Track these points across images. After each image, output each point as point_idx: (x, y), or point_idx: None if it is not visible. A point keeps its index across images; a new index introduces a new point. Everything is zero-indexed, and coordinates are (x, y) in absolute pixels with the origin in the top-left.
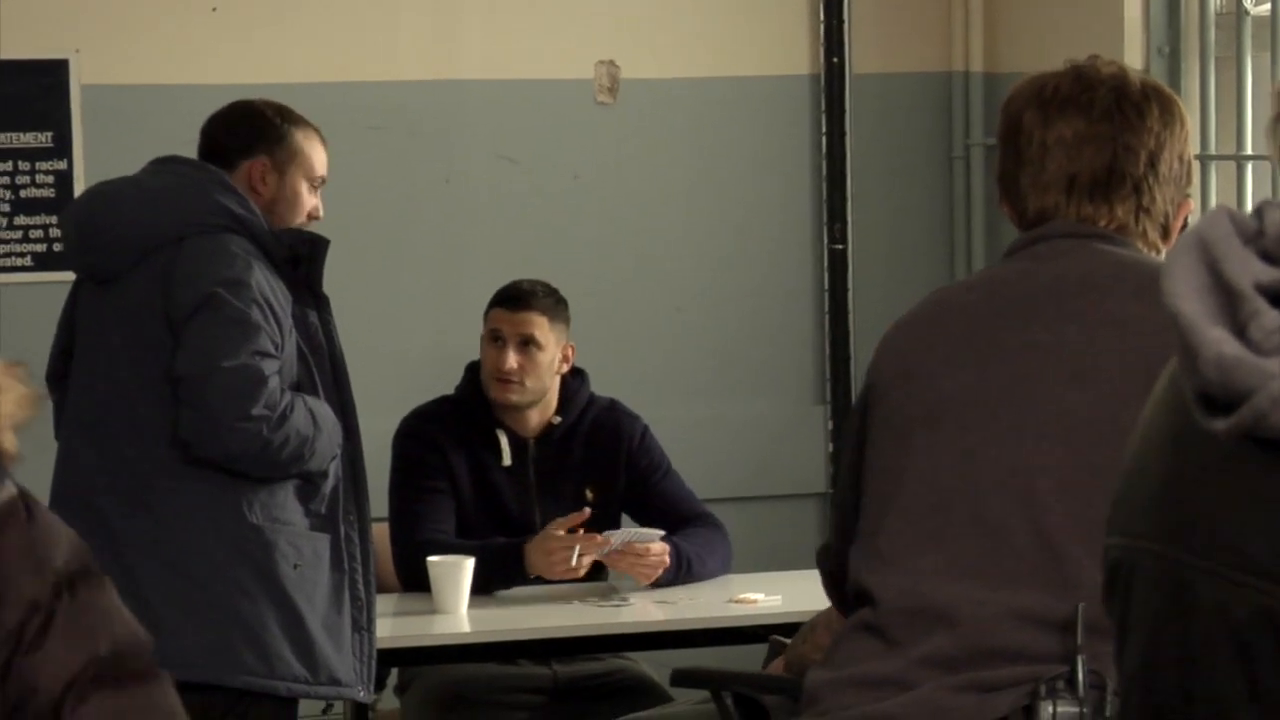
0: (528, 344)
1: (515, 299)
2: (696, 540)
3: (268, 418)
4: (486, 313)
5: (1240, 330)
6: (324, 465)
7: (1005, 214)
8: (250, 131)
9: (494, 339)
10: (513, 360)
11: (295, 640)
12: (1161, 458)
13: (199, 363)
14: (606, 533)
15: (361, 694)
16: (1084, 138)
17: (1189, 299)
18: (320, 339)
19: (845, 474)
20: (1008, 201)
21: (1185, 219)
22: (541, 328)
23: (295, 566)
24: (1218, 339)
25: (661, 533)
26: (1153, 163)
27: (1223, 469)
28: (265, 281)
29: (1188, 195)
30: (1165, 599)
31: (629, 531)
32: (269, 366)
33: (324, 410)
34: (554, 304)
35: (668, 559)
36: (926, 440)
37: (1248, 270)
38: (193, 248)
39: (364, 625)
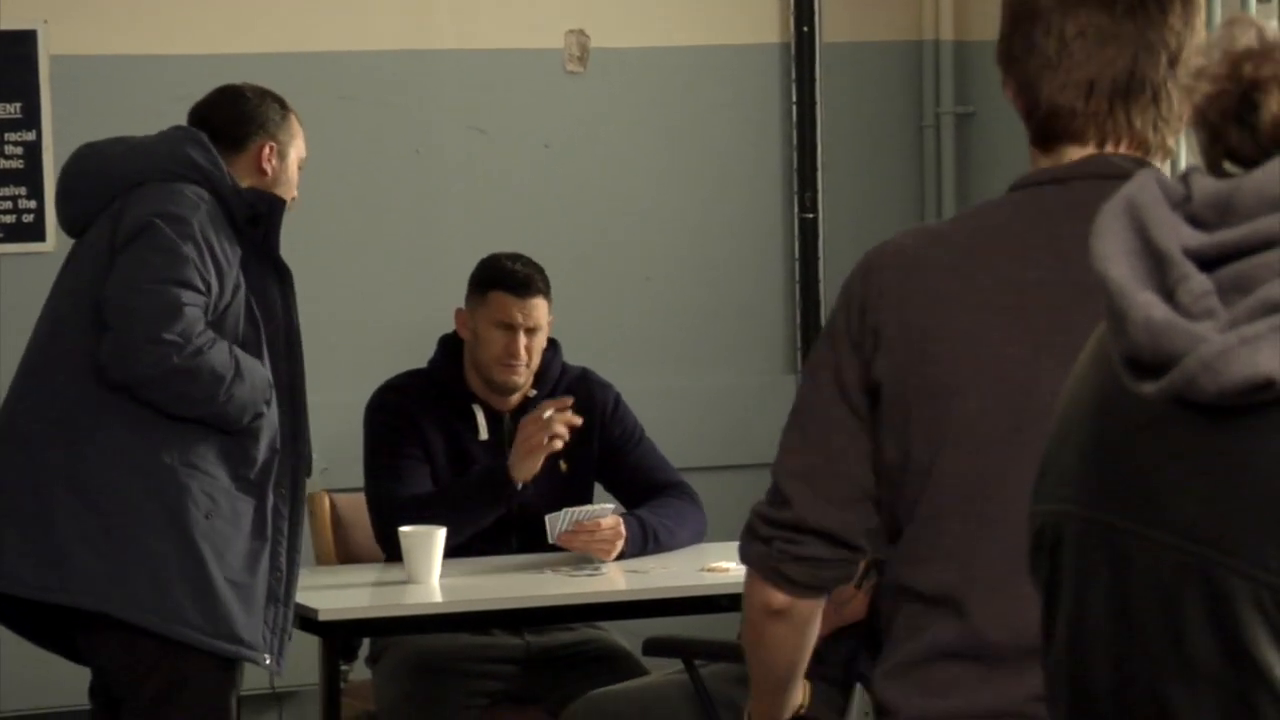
0: (533, 330)
1: (524, 285)
2: (666, 510)
3: (178, 345)
4: (483, 291)
5: (1169, 294)
6: (242, 415)
7: (1008, 98)
8: (257, 115)
9: (503, 326)
10: (524, 347)
11: (196, 588)
12: (1089, 422)
13: (120, 285)
14: (551, 514)
15: (267, 660)
16: (1106, 35)
17: (1118, 262)
18: (278, 310)
19: (848, 423)
20: (1014, 87)
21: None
22: (544, 312)
23: (207, 517)
24: (1146, 302)
25: (612, 507)
26: (1172, 65)
27: (1151, 432)
28: (211, 228)
29: None
30: (1093, 562)
31: (578, 510)
32: (188, 297)
33: (255, 366)
34: (547, 283)
35: (623, 531)
36: (1019, 454)
37: (1176, 235)
38: (145, 189)
39: (280, 598)
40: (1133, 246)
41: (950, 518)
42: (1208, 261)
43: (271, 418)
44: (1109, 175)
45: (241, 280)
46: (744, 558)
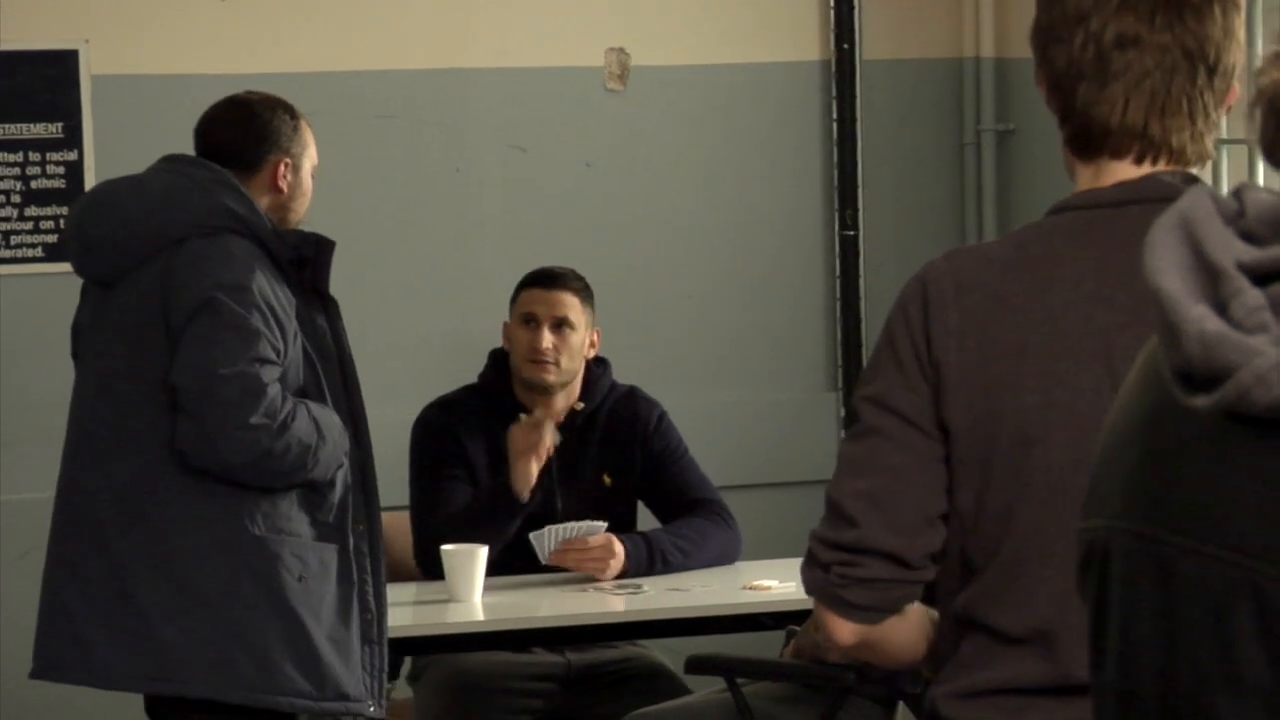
0: (561, 325)
1: (549, 279)
2: (684, 531)
3: (267, 426)
4: (516, 295)
5: (1222, 308)
6: (329, 474)
7: (1041, 93)
8: (270, 132)
9: (527, 321)
10: (548, 340)
11: (299, 654)
12: (1138, 437)
13: (196, 371)
14: (535, 533)
15: (371, 709)
16: (1142, 45)
17: (1171, 276)
18: (329, 343)
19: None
20: (1047, 87)
21: (1230, 105)
22: (574, 308)
23: (300, 579)
24: (1200, 316)
25: (603, 525)
26: (1210, 74)
27: (1202, 446)
28: (267, 284)
29: (1236, 81)
30: (1143, 578)
31: (562, 527)
32: (268, 374)
33: (330, 418)
34: (584, 287)
35: (617, 549)
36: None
37: (1230, 249)
38: (192, 250)
39: (374, 638)
40: (1186, 261)
41: (1037, 564)
42: (1261, 277)
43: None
44: (1164, 198)
45: (295, 324)
46: (805, 587)
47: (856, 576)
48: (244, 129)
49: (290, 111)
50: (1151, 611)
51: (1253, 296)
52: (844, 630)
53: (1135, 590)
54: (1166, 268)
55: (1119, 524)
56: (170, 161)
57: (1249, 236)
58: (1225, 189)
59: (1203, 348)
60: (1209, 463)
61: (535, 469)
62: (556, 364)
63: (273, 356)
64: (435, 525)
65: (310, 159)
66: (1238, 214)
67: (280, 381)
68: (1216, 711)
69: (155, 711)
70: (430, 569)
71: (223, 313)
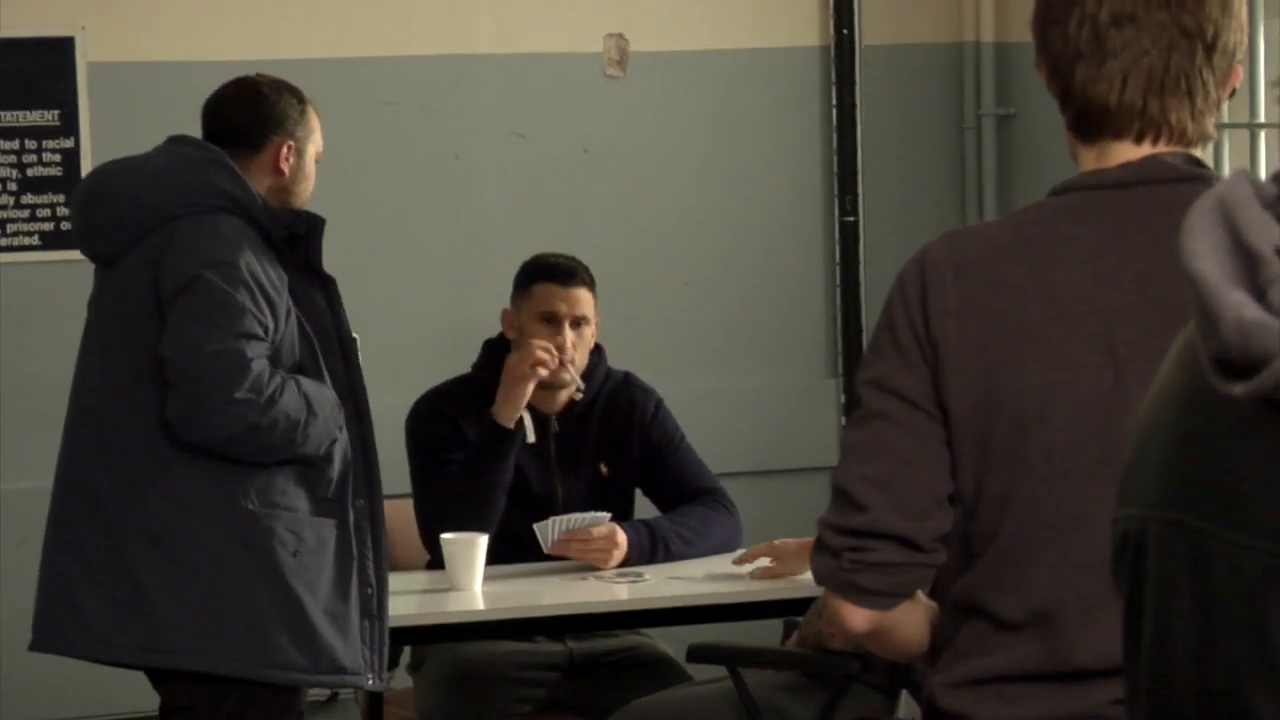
0: (579, 322)
1: (568, 275)
2: (686, 519)
3: (252, 401)
4: (525, 285)
5: (1260, 294)
6: (321, 449)
7: (1041, 76)
8: (275, 114)
9: (547, 320)
10: (571, 339)
11: (294, 628)
12: (1173, 425)
13: (182, 346)
14: (539, 523)
15: (371, 682)
16: (1139, 24)
17: (1208, 260)
18: (327, 322)
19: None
20: (1047, 71)
21: (1233, 89)
22: (589, 304)
23: (294, 553)
24: (1238, 302)
25: (606, 515)
26: (1209, 53)
27: (1238, 433)
28: (256, 262)
29: (1238, 63)
30: (1179, 567)
31: (567, 518)
32: (253, 349)
33: (322, 394)
34: (592, 280)
35: (620, 540)
36: (1106, 486)
37: (1268, 234)
38: (183, 229)
39: (374, 612)
40: (1223, 245)
41: (1037, 547)
42: None
43: (341, 433)
44: (1168, 179)
45: (289, 301)
46: (816, 576)
47: (868, 561)
48: (249, 109)
49: (298, 96)
50: (1187, 601)
51: None
52: (857, 617)
53: (1170, 579)
54: (1204, 251)
55: (1154, 513)
56: (172, 143)
57: None
58: (1225, 174)
59: (1240, 334)
60: (1245, 450)
61: (525, 396)
62: (573, 362)
63: (259, 333)
64: (438, 501)
65: (315, 144)
66: (1277, 198)
67: (269, 358)
68: (1252, 702)
69: (158, 684)
70: (438, 551)
71: (209, 289)
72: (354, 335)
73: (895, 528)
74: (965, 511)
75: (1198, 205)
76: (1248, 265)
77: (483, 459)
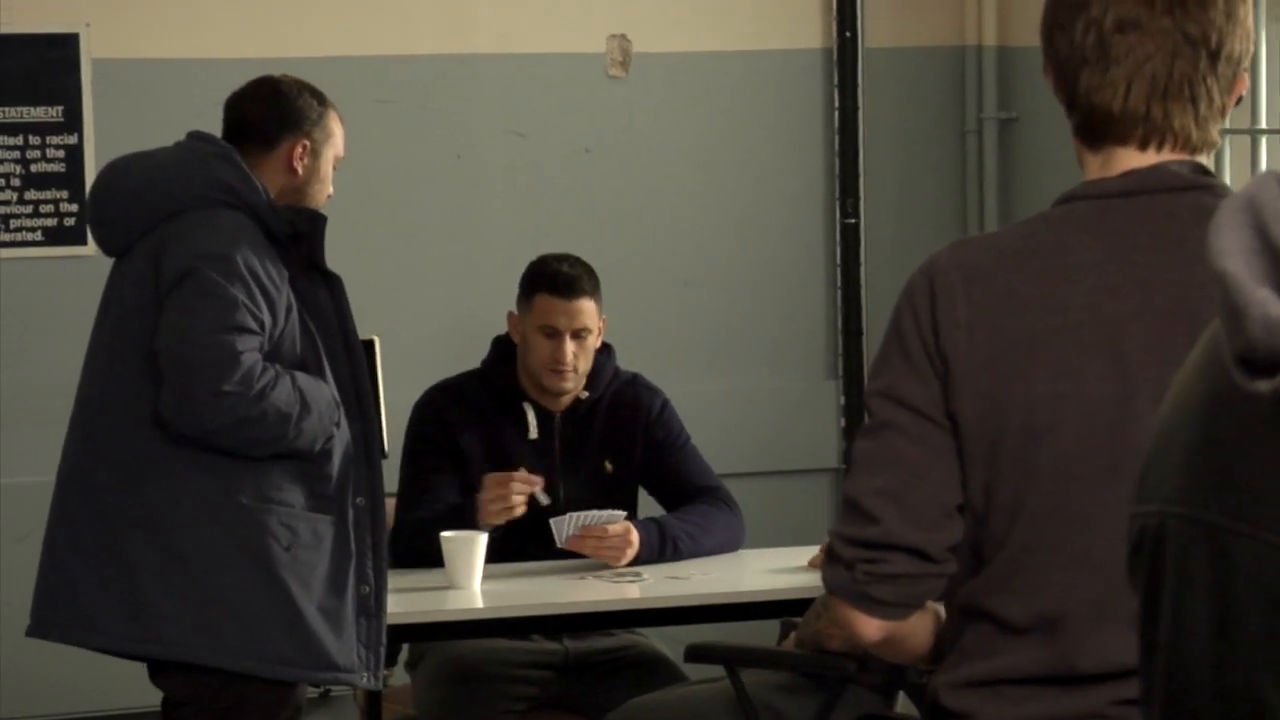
0: (580, 333)
1: (568, 287)
2: (692, 517)
3: (241, 394)
4: (528, 294)
5: None
6: (313, 445)
7: (1049, 82)
8: (292, 112)
9: (548, 334)
10: (571, 352)
11: (286, 623)
12: (1196, 422)
13: (173, 337)
14: (556, 519)
15: (365, 679)
16: (1143, 30)
17: (1235, 259)
18: (331, 318)
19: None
20: (1054, 76)
21: (1239, 96)
22: (592, 314)
23: (288, 548)
24: (1265, 299)
25: (623, 513)
26: (1213, 59)
27: (1262, 431)
28: (255, 257)
29: (1244, 70)
30: (1197, 563)
31: (583, 514)
32: (245, 343)
33: (318, 390)
34: (596, 283)
35: (634, 538)
36: (1114, 493)
37: None
38: (184, 222)
39: (372, 610)
40: (1252, 244)
41: (1044, 553)
42: None
43: (342, 431)
44: (1172, 188)
45: (292, 299)
46: (828, 587)
47: (882, 573)
48: (265, 106)
49: (320, 98)
50: (1205, 597)
51: None
52: (870, 628)
53: (1188, 575)
54: (1231, 250)
55: (1173, 509)
56: (189, 137)
57: None
58: (1227, 179)
59: (1267, 331)
60: (1268, 448)
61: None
62: (575, 370)
63: (252, 326)
64: (410, 521)
65: (334, 148)
66: None
67: (263, 352)
68: (1267, 698)
69: (155, 676)
70: (403, 555)
71: (202, 282)
72: (372, 337)
73: (907, 540)
74: (975, 519)
75: (1226, 204)
76: (1275, 264)
77: (459, 525)
